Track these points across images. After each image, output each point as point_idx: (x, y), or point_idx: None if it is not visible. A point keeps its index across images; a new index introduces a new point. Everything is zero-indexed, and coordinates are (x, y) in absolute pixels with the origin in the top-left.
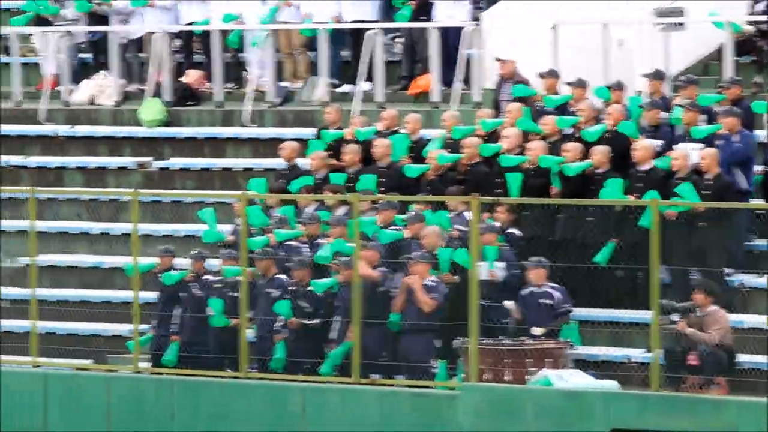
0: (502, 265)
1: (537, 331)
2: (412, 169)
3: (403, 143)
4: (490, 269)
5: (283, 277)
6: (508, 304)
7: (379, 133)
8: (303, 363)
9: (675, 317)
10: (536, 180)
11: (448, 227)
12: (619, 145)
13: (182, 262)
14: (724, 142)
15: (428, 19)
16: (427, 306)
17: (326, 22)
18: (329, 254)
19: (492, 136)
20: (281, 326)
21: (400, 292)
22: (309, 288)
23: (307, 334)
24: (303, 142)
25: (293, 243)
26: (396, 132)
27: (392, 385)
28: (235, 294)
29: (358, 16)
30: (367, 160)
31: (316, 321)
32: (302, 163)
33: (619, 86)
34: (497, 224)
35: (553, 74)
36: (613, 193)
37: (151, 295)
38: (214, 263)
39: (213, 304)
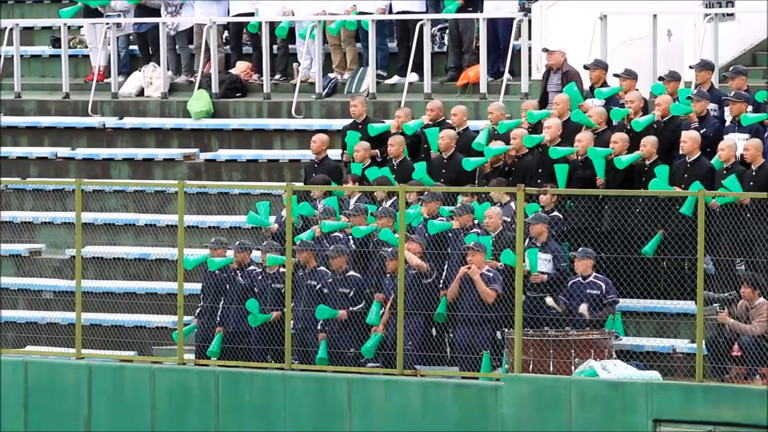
0: (548, 257)
1: (583, 308)
2: (470, 163)
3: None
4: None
5: (325, 269)
6: (549, 301)
7: (425, 125)
8: (347, 352)
9: (718, 308)
10: (584, 171)
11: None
12: (667, 136)
13: (228, 253)
14: None
15: (475, 11)
16: (489, 297)
17: (375, 14)
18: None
19: (537, 128)
20: (322, 325)
21: (455, 281)
22: (349, 273)
23: (351, 321)
24: (337, 133)
25: (339, 234)
26: (443, 123)
27: (442, 377)
28: (279, 285)
29: (407, 7)
30: (414, 151)
31: (361, 305)
32: (333, 154)
33: (673, 77)
34: (544, 215)
35: (599, 65)
36: (661, 182)
37: (196, 287)
38: (259, 255)
39: (249, 305)
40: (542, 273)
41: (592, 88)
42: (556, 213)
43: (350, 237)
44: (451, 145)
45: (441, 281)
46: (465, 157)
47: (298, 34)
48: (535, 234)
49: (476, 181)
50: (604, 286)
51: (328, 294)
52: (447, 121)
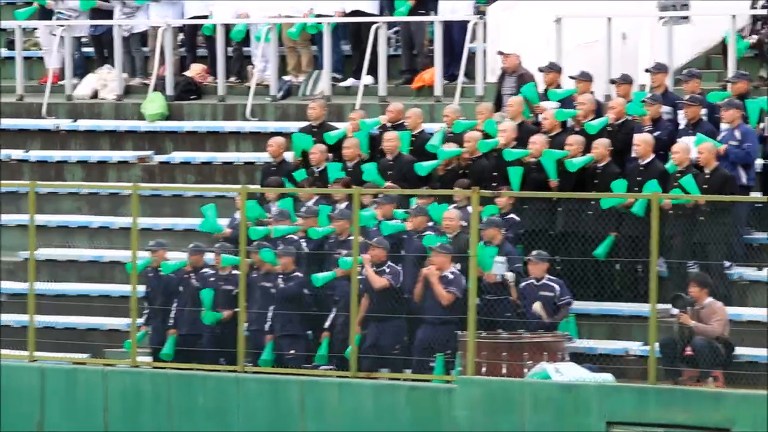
0: (503, 259)
1: (537, 306)
2: (423, 168)
3: (406, 137)
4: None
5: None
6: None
7: (383, 127)
8: (294, 353)
9: (674, 310)
10: (538, 174)
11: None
12: (621, 138)
13: (181, 256)
14: (726, 134)
15: (427, 13)
16: (444, 300)
17: (330, 16)
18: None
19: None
20: (270, 326)
21: (418, 282)
22: (295, 274)
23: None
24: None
25: (293, 236)
26: (402, 125)
27: (397, 379)
28: (231, 287)
29: (359, 6)
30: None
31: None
32: (289, 156)
33: (625, 80)
34: (497, 219)
35: (553, 68)
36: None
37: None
38: (212, 257)
39: (205, 294)
40: (498, 275)
41: (546, 91)
42: (512, 215)
43: (304, 239)
44: (397, 146)
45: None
46: (418, 159)
47: (254, 37)
48: (488, 238)
49: (429, 184)
50: (557, 288)
51: (275, 294)
52: (404, 123)
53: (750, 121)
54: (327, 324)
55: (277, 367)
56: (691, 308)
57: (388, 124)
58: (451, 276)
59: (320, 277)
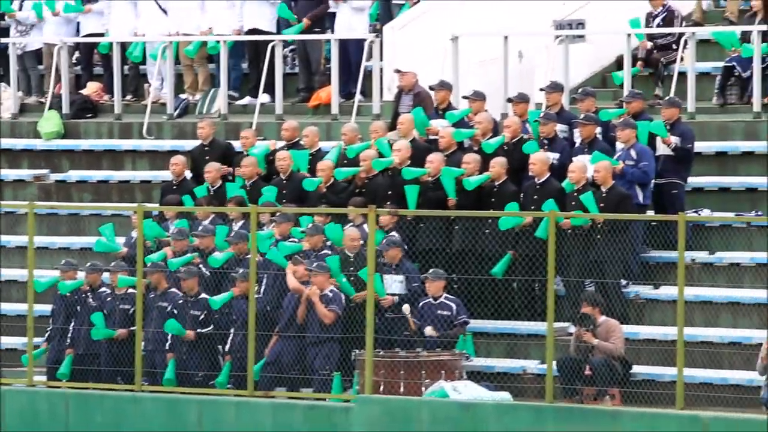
0: (400, 278)
1: (429, 330)
2: (310, 182)
3: (304, 156)
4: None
5: (176, 291)
6: (405, 308)
7: (273, 151)
8: (196, 373)
9: (571, 329)
10: (435, 192)
11: (340, 243)
12: (517, 157)
13: (79, 275)
14: (622, 153)
15: (323, 31)
16: (326, 318)
17: (228, 35)
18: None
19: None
20: (170, 345)
21: (302, 302)
22: (200, 296)
23: (200, 343)
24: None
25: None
26: (298, 144)
27: (293, 398)
28: (127, 306)
29: (256, 24)
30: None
31: (210, 328)
32: (190, 175)
33: (522, 99)
34: (397, 239)
35: (444, 86)
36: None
37: (46, 308)
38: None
39: (94, 318)
40: (393, 294)
41: (437, 109)
42: (394, 233)
43: (202, 263)
44: (290, 165)
45: None
46: (310, 178)
47: (149, 55)
48: (389, 258)
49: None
50: (454, 307)
51: (178, 315)
52: (300, 142)
53: (641, 140)
54: (228, 347)
55: (180, 386)
56: (593, 327)
57: (278, 146)
58: (330, 294)
59: (217, 299)
